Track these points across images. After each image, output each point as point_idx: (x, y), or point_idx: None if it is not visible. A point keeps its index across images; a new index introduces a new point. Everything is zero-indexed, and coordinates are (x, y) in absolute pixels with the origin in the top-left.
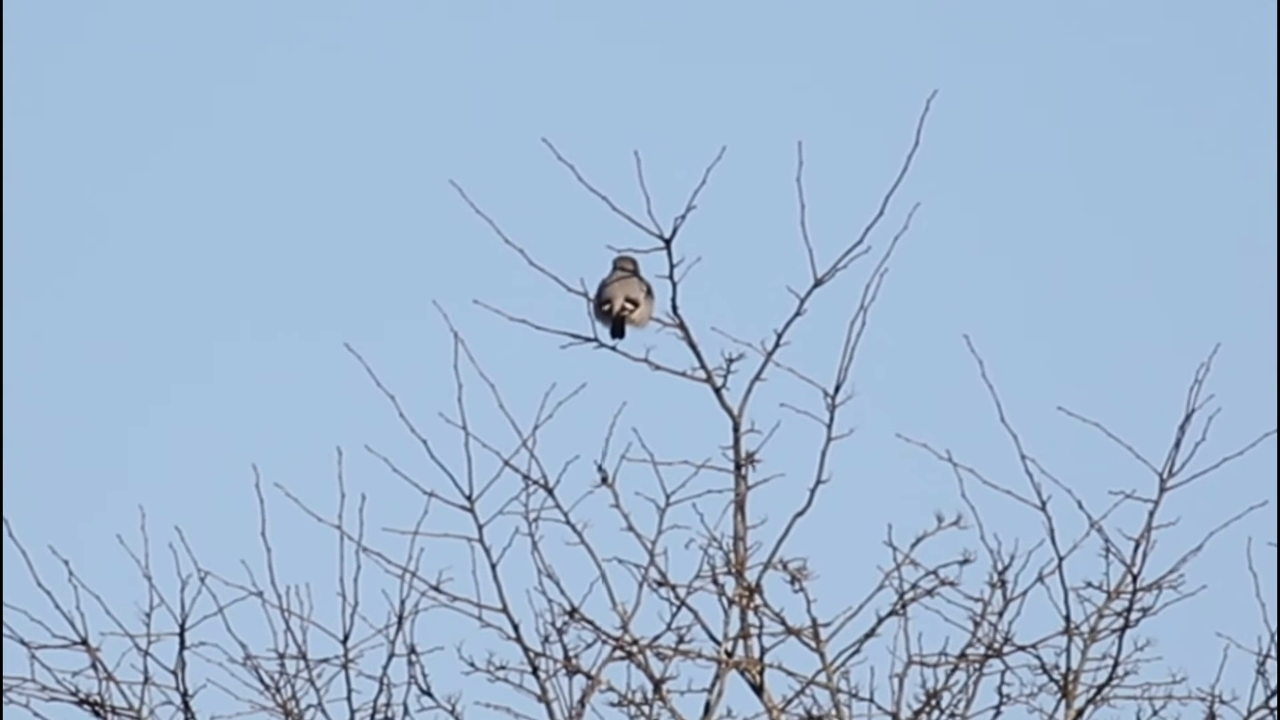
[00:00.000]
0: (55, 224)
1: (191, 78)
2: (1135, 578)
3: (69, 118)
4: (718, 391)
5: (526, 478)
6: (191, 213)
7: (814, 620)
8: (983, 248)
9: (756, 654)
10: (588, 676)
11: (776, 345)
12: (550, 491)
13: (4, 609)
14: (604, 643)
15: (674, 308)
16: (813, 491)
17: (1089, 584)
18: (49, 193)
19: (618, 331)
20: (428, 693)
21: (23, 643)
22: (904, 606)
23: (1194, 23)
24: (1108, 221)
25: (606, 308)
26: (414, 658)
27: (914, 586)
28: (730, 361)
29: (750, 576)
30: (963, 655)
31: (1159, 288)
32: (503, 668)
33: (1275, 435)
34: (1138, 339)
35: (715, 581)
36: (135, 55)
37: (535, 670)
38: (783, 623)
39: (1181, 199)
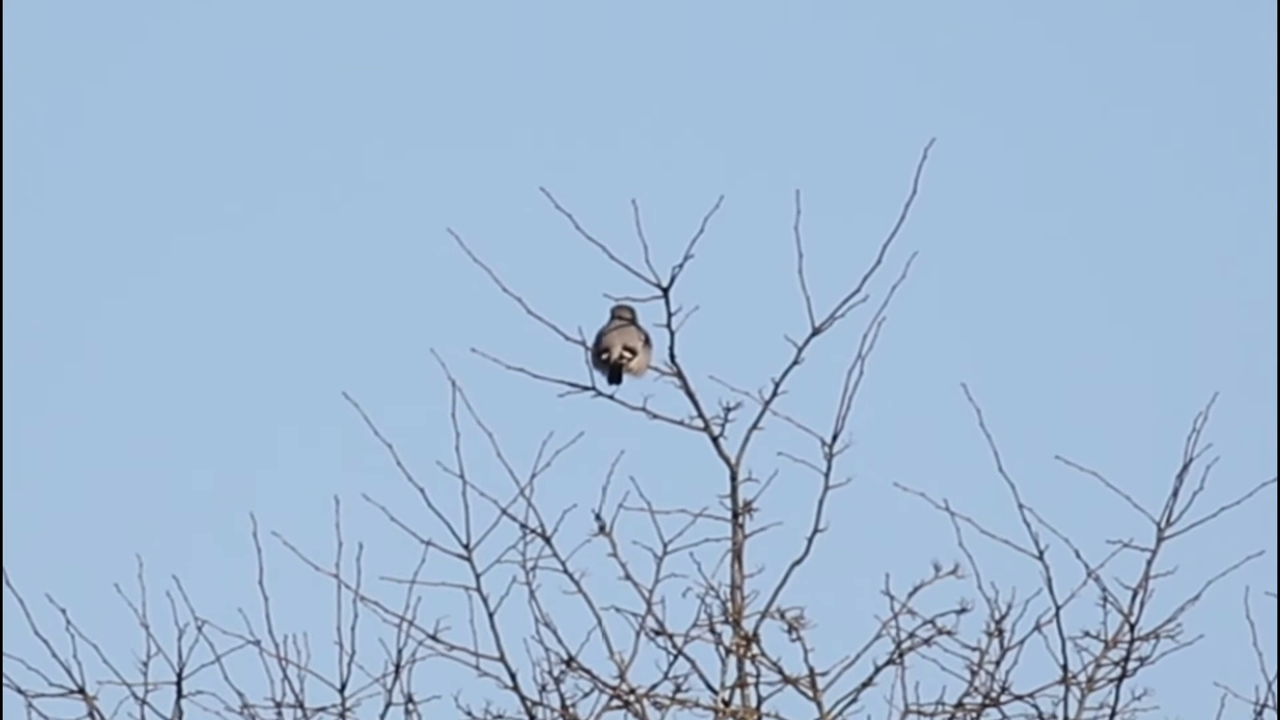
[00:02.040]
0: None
1: (194, 127)
2: (1133, 627)
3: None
4: (715, 440)
5: (524, 526)
6: (185, 256)
7: (811, 669)
8: (980, 296)
9: (754, 703)
10: None
11: (774, 394)
12: (548, 540)
13: (2, 657)
14: (601, 692)
15: (671, 356)
16: (810, 540)
17: (1086, 633)
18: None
19: (615, 378)
20: None
21: (20, 691)
22: (901, 655)
23: (1200, 77)
24: (1105, 270)
25: (605, 356)
26: (411, 707)
27: (911, 635)
28: (728, 410)
29: (747, 625)
30: (960, 704)
31: (1157, 337)
32: (500, 716)
33: (1275, 485)
34: (1136, 388)
35: (712, 630)
36: (142, 117)
37: (533, 719)
38: (780, 672)
39: (1179, 248)
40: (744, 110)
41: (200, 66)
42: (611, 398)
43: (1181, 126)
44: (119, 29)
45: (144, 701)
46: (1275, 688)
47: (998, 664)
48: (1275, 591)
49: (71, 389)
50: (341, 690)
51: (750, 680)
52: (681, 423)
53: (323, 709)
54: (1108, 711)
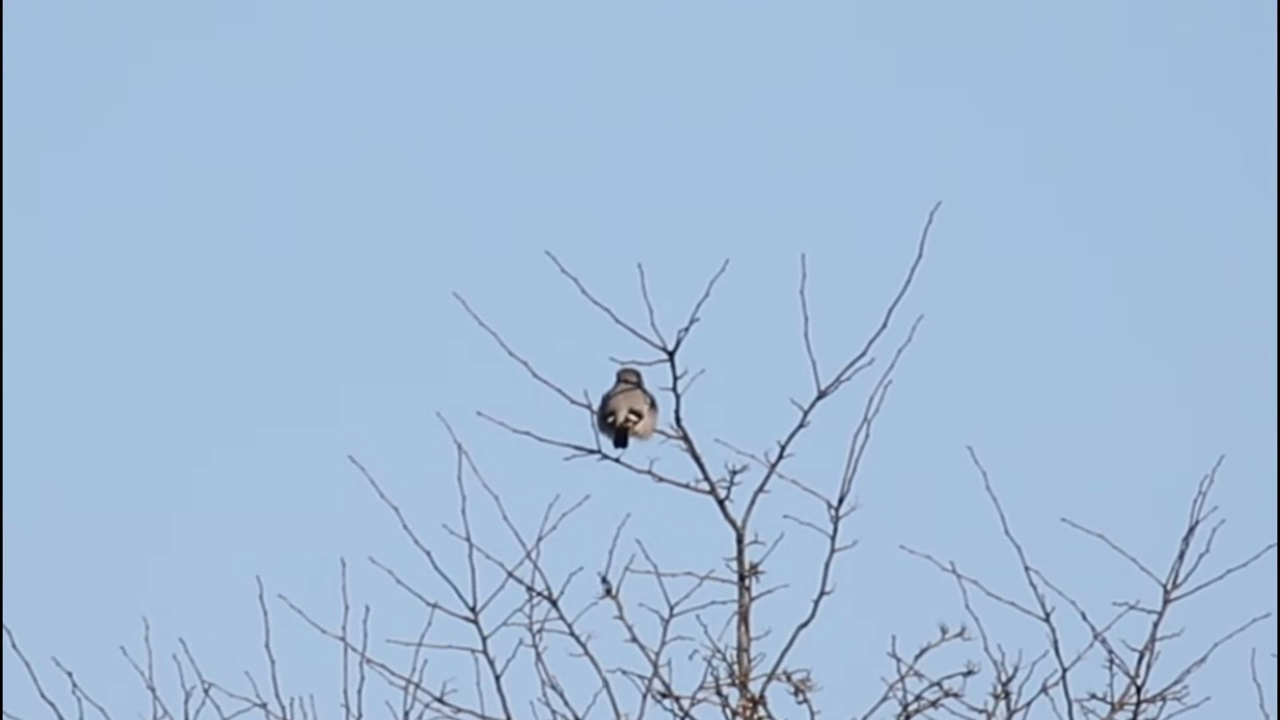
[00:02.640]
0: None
1: (196, 189)
2: (1139, 689)
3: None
4: (721, 503)
5: (530, 589)
6: (198, 325)
7: None
8: (986, 360)
9: None
10: None
11: (780, 457)
12: (554, 603)
13: None
14: None
15: (677, 420)
16: (816, 603)
17: (1093, 695)
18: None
19: (621, 442)
20: None
21: None
22: (908, 718)
23: (1206, 123)
24: (1111, 334)
25: (610, 419)
26: None
27: (918, 698)
28: (734, 473)
29: (754, 688)
30: None
31: (1162, 401)
32: None
33: (1278, 547)
34: (1141, 451)
35: (719, 693)
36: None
37: None
38: None
39: (1183, 310)
40: (749, 173)
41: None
42: (618, 461)
43: (1186, 172)
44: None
45: None
46: None
47: None
48: (1278, 653)
49: (72, 439)
50: None
51: None
52: (688, 486)
53: None
54: None
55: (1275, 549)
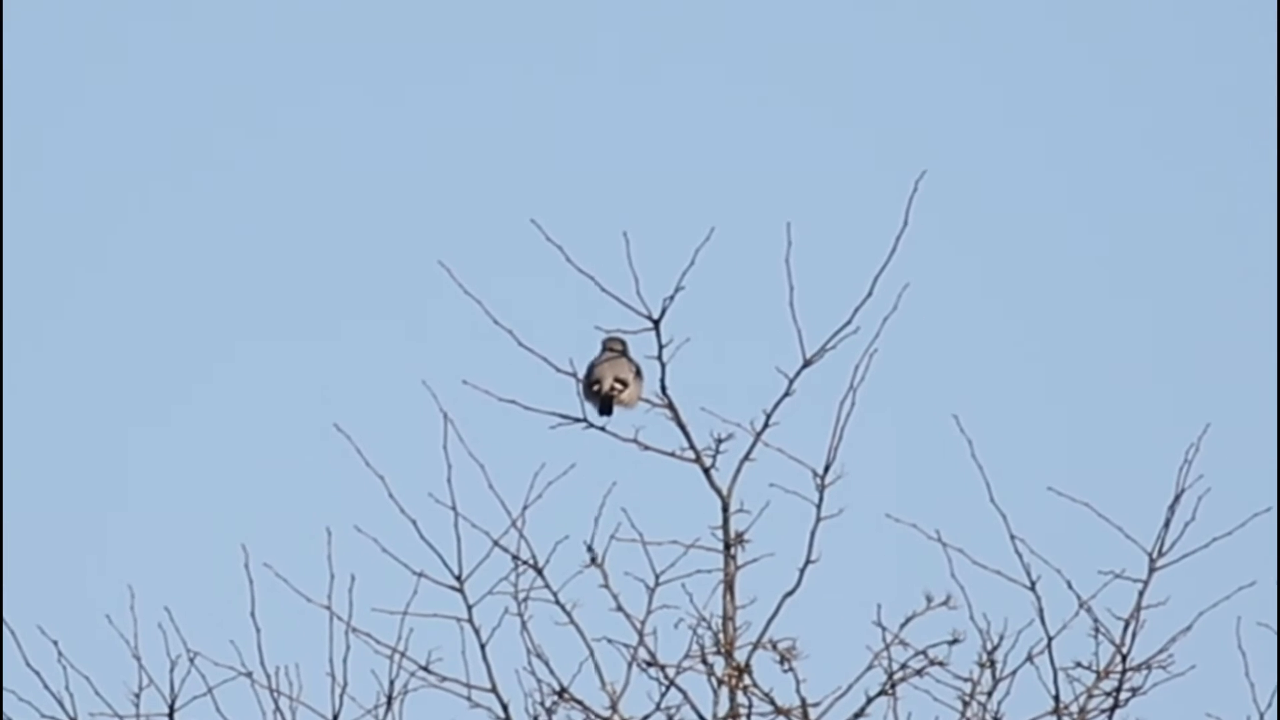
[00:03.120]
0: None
1: (192, 145)
2: (1125, 657)
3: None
4: (707, 472)
5: (516, 558)
6: (183, 293)
7: (803, 700)
8: (972, 328)
9: None
10: None
11: (765, 425)
12: (539, 571)
13: None
14: None
15: (663, 388)
16: (802, 571)
17: (1078, 664)
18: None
19: (606, 410)
20: None
21: None
22: (893, 686)
23: (1194, 95)
24: (1096, 302)
25: (596, 388)
26: None
27: (903, 666)
28: (719, 442)
29: (739, 656)
30: None
31: (1148, 368)
32: None
33: (1276, 512)
34: (1126, 419)
35: (704, 661)
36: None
37: None
38: (772, 703)
39: (1171, 277)
40: (735, 142)
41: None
42: (603, 429)
43: (1180, 158)
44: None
45: None
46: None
47: (990, 695)
48: (1271, 623)
49: (63, 409)
50: None
51: (742, 711)
52: (673, 454)
53: None
54: None
55: (1265, 515)
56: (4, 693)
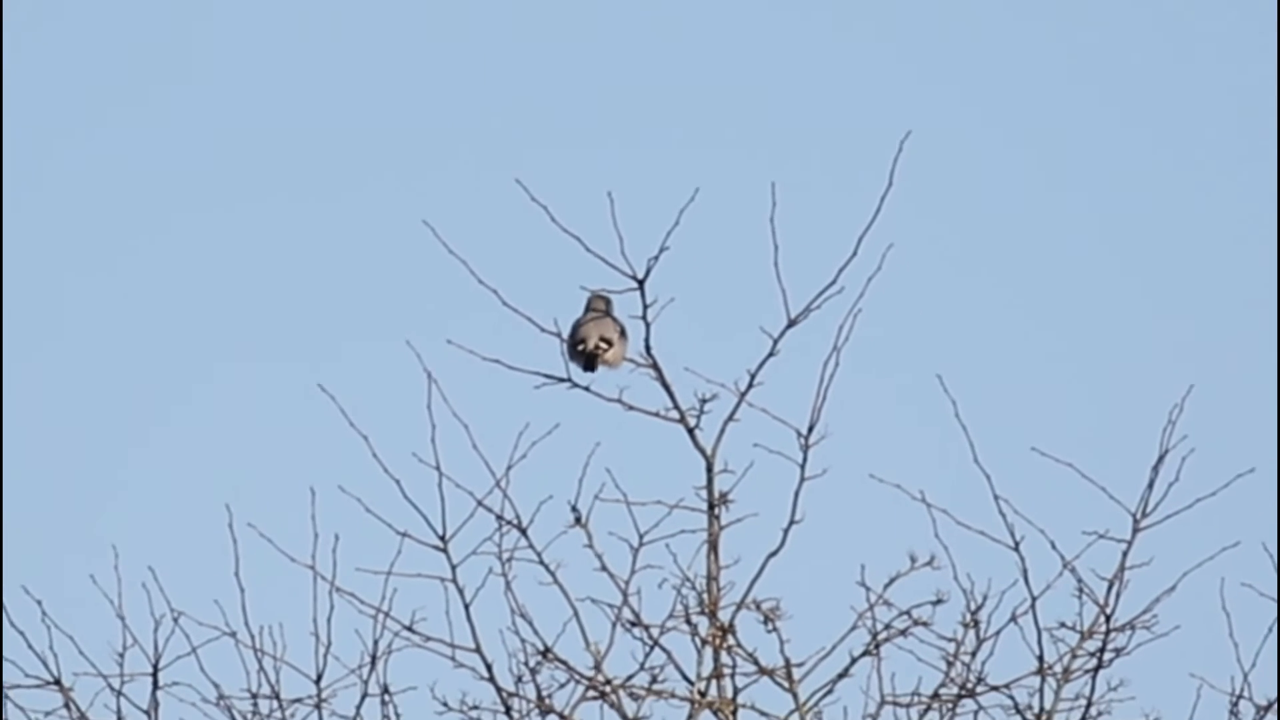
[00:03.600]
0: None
1: (171, 121)
2: (1109, 618)
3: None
4: (691, 432)
5: (500, 518)
6: (167, 254)
7: (787, 660)
8: (956, 288)
9: (730, 694)
10: (561, 717)
11: (750, 386)
12: (524, 532)
13: None
14: (577, 683)
15: (647, 348)
16: (786, 532)
17: (1062, 624)
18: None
19: (590, 366)
20: None
21: None
22: (877, 647)
23: (1185, 64)
24: (1080, 263)
25: (580, 346)
26: (387, 698)
27: (887, 627)
28: (704, 402)
29: (723, 617)
30: (936, 695)
31: (1131, 329)
32: (476, 708)
33: (1275, 473)
34: (1110, 380)
35: (689, 622)
36: (128, 88)
37: (508, 710)
38: (756, 663)
39: (1152, 240)
40: (721, 102)
41: (181, 46)
42: (587, 389)
43: (1153, 113)
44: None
45: (120, 693)
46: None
47: (973, 655)
48: (1255, 584)
49: (44, 374)
50: (317, 681)
51: (726, 671)
52: (657, 414)
53: (299, 700)
54: (1084, 702)
55: (1247, 477)
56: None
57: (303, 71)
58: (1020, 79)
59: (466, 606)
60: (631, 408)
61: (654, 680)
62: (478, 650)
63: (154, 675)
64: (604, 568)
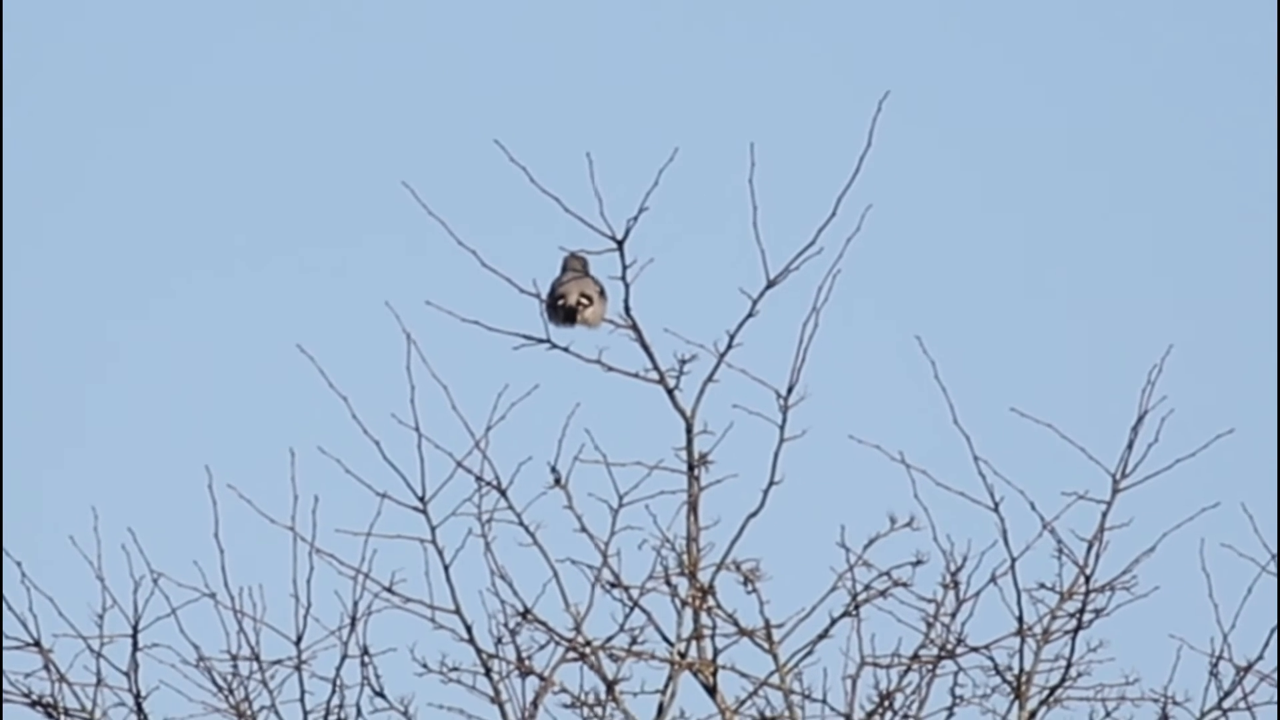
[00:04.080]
0: None
1: (155, 88)
2: (1088, 579)
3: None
4: (670, 393)
5: (479, 479)
6: (148, 208)
7: (767, 621)
8: (935, 249)
9: (710, 655)
10: (541, 678)
11: (729, 346)
12: (503, 493)
13: None
14: (557, 644)
15: (626, 309)
16: (766, 493)
17: (1042, 585)
18: None
19: (569, 319)
20: (381, 694)
21: None
22: (857, 608)
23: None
24: (1059, 222)
25: (560, 302)
26: (367, 659)
27: (867, 588)
28: (683, 363)
29: (703, 578)
30: (915, 656)
31: (1112, 289)
32: (456, 669)
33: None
34: (1089, 340)
35: (668, 583)
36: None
37: (488, 671)
38: (736, 624)
39: (1134, 196)
40: (698, 62)
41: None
42: (567, 350)
43: (1134, 73)
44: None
45: (100, 654)
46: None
47: (953, 616)
48: (1235, 544)
49: (25, 339)
50: (297, 643)
51: (706, 632)
52: (637, 375)
53: (278, 661)
54: (1063, 663)
55: (1226, 438)
56: None
57: (282, 28)
58: (998, 34)
59: (446, 568)
60: (611, 369)
61: (634, 641)
62: (457, 611)
63: (134, 637)
64: (583, 529)
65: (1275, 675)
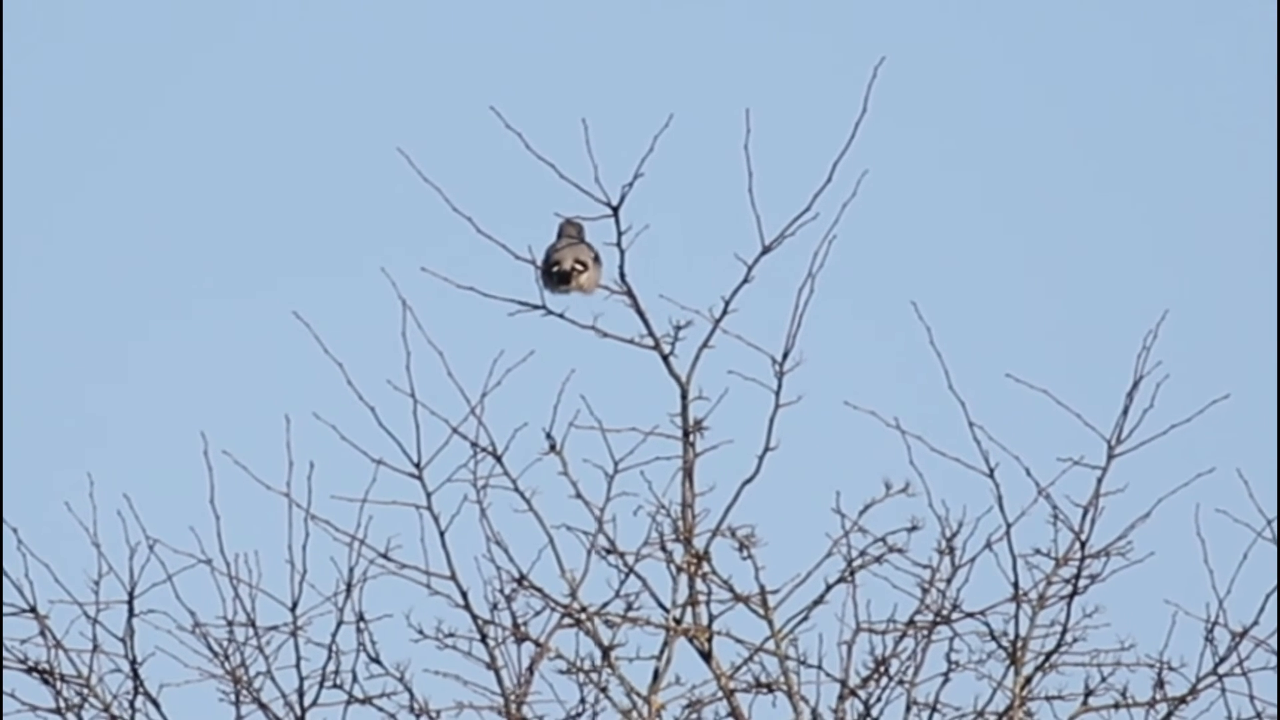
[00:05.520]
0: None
1: (146, 47)
2: (1083, 545)
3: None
4: (665, 359)
5: (475, 445)
6: (135, 178)
7: (762, 587)
8: (930, 214)
9: (705, 621)
10: (536, 644)
11: (724, 312)
12: (498, 459)
13: None
14: (552, 610)
15: (622, 275)
16: (761, 459)
17: (1037, 551)
18: None
19: (564, 282)
20: (376, 660)
21: None
22: (852, 573)
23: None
24: (1055, 188)
25: (555, 268)
26: (363, 625)
27: (862, 553)
28: (678, 329)
29: (698, 544)
30: (911, 622)
31: (1107, 254)
32: (451, 635)
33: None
34: (1084, 305)
35: (663, 549)
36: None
37: (484, 638)
38: (731, 590)
39: (1129, 160)
40: (693, 28)
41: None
42: (562, 316)
43: (1133, 32)
44: None
45: (96, 620)
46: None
47: (949, 582)
48: (1230, 510)
49: (17, 302)
50: (293, 609)
51: (701, 598)
52: (632, 341)
53: (274, 628)
54: (1059, 629)
55: (1221, 403)
56: None
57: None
58: (992, 2)
59: (442, 534)
60: (606, 335)
61: (629, 607)
62: (453, 578)
63: (129, 603)
64: (579, 495)
65: (1275, 640)
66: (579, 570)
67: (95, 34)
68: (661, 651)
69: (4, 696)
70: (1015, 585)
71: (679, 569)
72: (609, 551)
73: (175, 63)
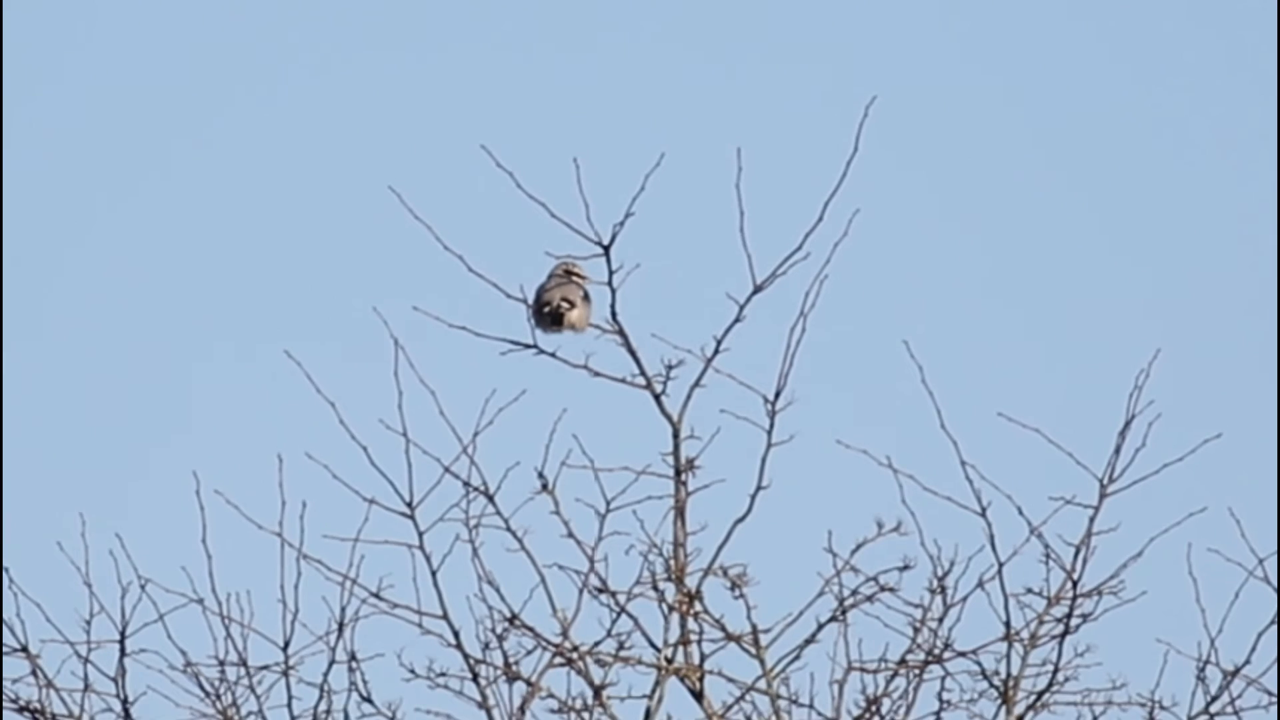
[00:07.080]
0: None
1: (143, 97)
2: (1075, 584)
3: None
4: (657, 398)
5: (467, 484)
6: (128, 223)
7: (754, 626)
8: (922, 253)
9: (696, 660)
10: (528, 683)
11: (716, 351)
12: (490, 498)
13: None
14: (544, 649)
15: (613, 314)
16: (753, 498)
17: (1029, 590)
18: None
19: (555, 322)
20: (368, 699)
21: None
22: (844, 613)
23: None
24: (1047, 227)
25: (545, 308)
26: (354, 665)
27: (854, 593)
28: (670, 368)
29: (690, 583)
30: (903, 661)
31: (1099, 294)
32: (443, 674)
33: None
34: (1077, 345)
35: (655, 588)
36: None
37: (475, 677)
38: (723, 629)
39: (1123, 201)
40: (685, 66)
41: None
42: (553, 355)
43: (1119, 76)
44: None
45: (87, 660)
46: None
47: (940, 621)
48: (1222, 549)
49: (14, 342)
50: (285, 648)
51: (693, 638)
52: (624, 380)
53: (266, 667)
54: (1050, 668)
55: (1213, 442)
56: None
57: (261, 45)
58: (983, 39)
59: (433, 573)
60: (597, 374)
61: (621, 647)
62: (445, 617)
63: (121, 642)
64: (571, 534)
65: (1275, 679)
66: (571, 609)
67: (90, 96)
68: (653, 691)
69: None
70: (1007, 624)
71: (671, 608)
72: (601, 591)
73: (164, 119)
